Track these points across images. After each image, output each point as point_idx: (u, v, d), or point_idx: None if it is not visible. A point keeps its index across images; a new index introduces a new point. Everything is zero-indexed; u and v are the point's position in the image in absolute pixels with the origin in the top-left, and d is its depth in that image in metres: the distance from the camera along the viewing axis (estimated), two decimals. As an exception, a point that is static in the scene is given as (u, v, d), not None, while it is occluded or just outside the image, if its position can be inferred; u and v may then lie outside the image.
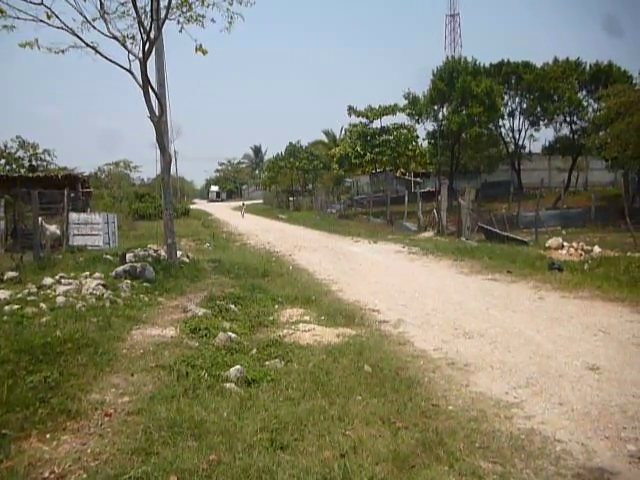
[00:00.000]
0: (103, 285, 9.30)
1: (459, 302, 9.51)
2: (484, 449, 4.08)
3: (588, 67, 36.38)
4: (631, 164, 28.94)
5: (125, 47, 11.72)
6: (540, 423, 4.55)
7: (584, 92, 36.73)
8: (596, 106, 35.08)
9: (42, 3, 10.46)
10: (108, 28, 11.46)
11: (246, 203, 53.34)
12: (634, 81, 32.69)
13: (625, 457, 3.95)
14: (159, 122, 12.09)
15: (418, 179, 44.41)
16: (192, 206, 55.81)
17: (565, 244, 15.51)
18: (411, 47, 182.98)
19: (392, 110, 37.89)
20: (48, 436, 4.16)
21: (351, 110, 38.48)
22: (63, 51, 11.42)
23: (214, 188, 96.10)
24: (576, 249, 14.81)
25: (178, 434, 4.14)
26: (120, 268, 10.73)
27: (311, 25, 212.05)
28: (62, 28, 10.95)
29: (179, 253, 13.55)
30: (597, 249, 14.39)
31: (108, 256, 13.37)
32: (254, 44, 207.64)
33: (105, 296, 8.62)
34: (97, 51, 11.40)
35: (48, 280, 9.65)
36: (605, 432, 4.35)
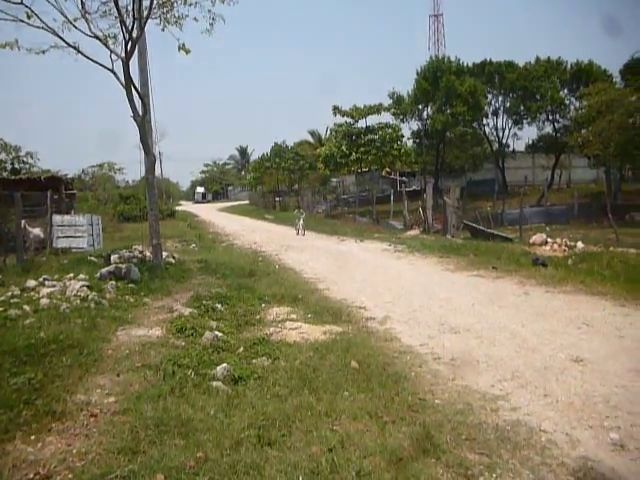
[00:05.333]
0: (88, 286, 9.21)
1: (445, 298, 9.57)
2: (471, 441, 4.11)
3: (569, 66, 36.90)
4: (613, 161, 29.39)
5: (107, 47, 11.62)
6: (525, 414, 4.60)
7: (566, 91, 37.22)
8: (578, 104, 35.53)
9: (22, 2, 10.33)
10: (90, 28, 11.36)
11: (234, 204, 50.92)
12: (614, 79, 33.16)
13: (608, 445, 4.02)
14: (143, 122, 12.00)
15: (404, 178, 44.60)
16: (178, 208, 55.44)
17: (549, 240, 15.67)
18: (397, 46, 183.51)
19: (377, 110, 37.97)
20: (33, 437, 4.12)
21: (336, 110, 38.47)
22: (44, 51, 11.30)
23: (200, 189, 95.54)
24: (560, 245, 14.97)
25: (165, 433, 4.13)
26: (105, 269, 10.63)
27: (294, 24, 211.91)
28: (43, 28, 10.82)
29: (165, 254, 13.46)
30: (580, 245, 14.55)
31: (93, 258, 13.25)
32: (237, 44, 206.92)
33: (90, 297, 8.54)
34: (79, 51, 11.30)
35: (32, 282, 9.55)
36: (589, 422, 4.41)
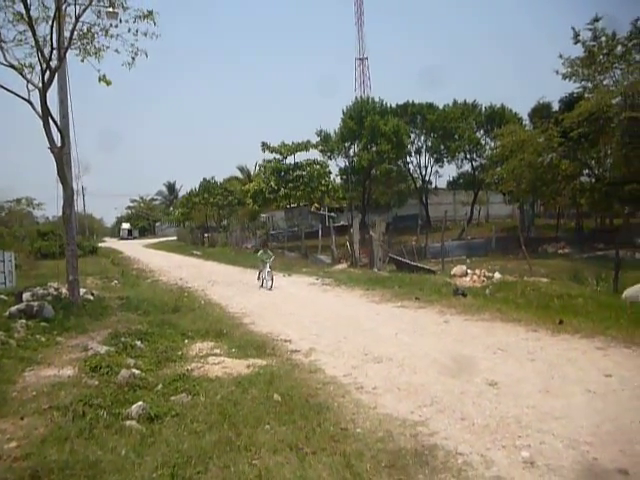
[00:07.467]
0: (-6, 326, 8.61)
1: (370, 329, 9.69)
2: (389, 468, 4.13)
3: (484, 109, 39.42)
4: (524, 196, 31.32)
5: (24, 76, 11.24)
6: (443, 438, 4.68)
7: (482, 131, 39.63)
8: (492, 144, 37.83)
9: None
10: (5, 57, 11.02)
11: (162, 240, 48.92)
12: (524, 122, 35.70)
13: (520, 463, 4.16)
14: (60, 153, 11.57)
15: (332, 214, 45.19)
16: (102, 244, 53.23)
17: (469, 272, 16.33)
18: (325, 87, 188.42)
19: (305, 147, 38.65)
20: None
21: (265, 146, 38.83)
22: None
23: (125, 225, 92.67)
24: (479, 276, 15.62)
25: (70, 476, 3.88)
26: (14, 308, 10.01)
27: (224, 59, 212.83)
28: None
29: (83, 291, 12.85)
30: (497, 275, 15.27)
31: (2, 296, 12.44)
32: (161, 79, 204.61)
33: (-5, 338, 7.97)
34: (-9, 79, 10.86)
35: None
36: (502, 442, 4.55)
